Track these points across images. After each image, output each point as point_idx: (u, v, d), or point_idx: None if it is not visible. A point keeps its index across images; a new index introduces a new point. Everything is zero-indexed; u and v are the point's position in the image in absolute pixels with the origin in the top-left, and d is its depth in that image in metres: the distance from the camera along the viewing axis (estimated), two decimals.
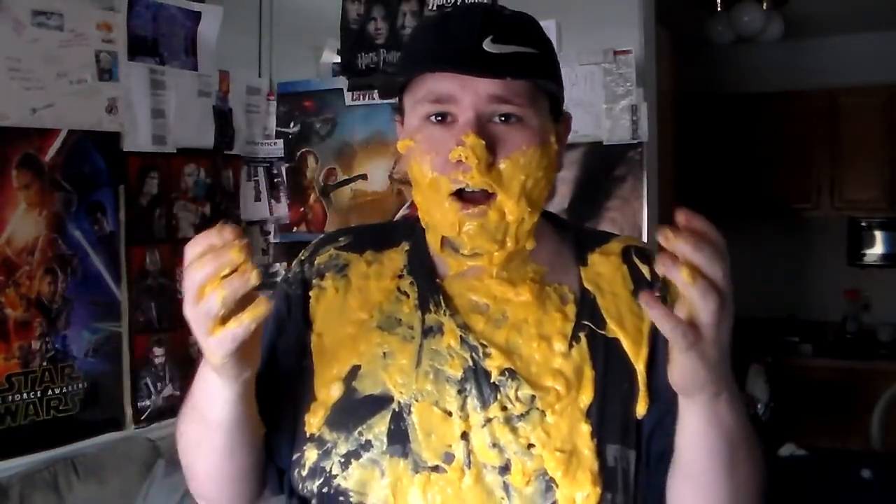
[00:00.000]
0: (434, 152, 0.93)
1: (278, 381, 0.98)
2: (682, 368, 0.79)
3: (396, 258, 1.04)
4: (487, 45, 0.91)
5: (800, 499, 2.28)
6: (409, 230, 1.07)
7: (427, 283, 1.01)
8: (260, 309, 0.78)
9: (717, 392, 0.82)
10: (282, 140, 2.98)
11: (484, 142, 0.91)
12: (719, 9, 4.18)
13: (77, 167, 2.29)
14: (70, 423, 2.26)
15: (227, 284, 0.77)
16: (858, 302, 4.93)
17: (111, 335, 2.38)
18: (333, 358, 0.98)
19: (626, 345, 0.96)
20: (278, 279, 1.14)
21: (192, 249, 0.79)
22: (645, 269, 1.01)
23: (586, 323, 0.97)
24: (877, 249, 4.91)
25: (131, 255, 2.44)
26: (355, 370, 0.97)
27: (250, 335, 0.80)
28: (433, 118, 0.94)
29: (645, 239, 2.51)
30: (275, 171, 2.98)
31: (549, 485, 0.90)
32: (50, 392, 2.22)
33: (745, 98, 4.89)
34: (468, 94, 0.92)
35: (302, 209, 2.97)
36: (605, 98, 2.50)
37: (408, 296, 1.00)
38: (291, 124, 2.97)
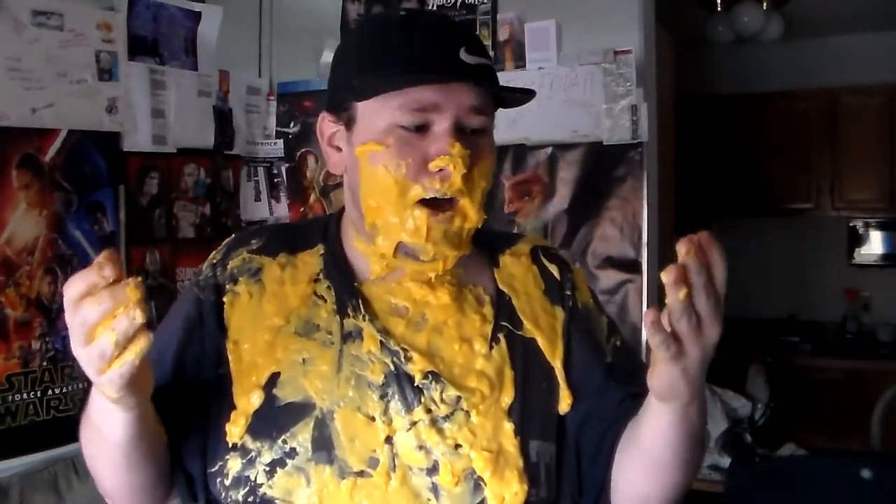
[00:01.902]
0: (410, 158, 0.93)
1: (186, 389, 0.97)
2: (662, 377, 0.81)
3: (311, 261, 1.03)
4: (464, 56, 0.92)
5: (800, 499, 2.27)
6: (323, 231, 1.06)
7: (344, 286, 1.00)
8: (140, 344, 0.76)
9: (691, 401, 0.84)
10: (282, 140, 2.98)
11: (469, 151, 0.92)
12: (719, 9, 4.18)
13: (77, 167, 2.29)
14: (70, 423, 2.22)
15: (117, 325, 0.75)
16: (858, 302, 4.92)
17: None
18: (251, 365, 0.97)
19: (542, 344, 1.00)
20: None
21: (74, 288, 0.76)
22: (553, 269, 1.06)
23: (504, 324, 1.00)
24: (877, 250, 4.91)
25: (131, 255, 2.44)
26: (275, 377, 0.96)
27: (138, 367, 0.78)
28: (410, 126, 0.93)
29: (645, 238, 2.51)
30: (275, 171, 2.98)
31: (478, 484, 0.92)
32: (50, 392, 2.22)
33: (745, 98, 4.88)
34: (451, 104, 0.92)
35: (302, 209, 2.97)
36: (605, 98, 2.49)
37: (325, 300, 0.99)
38: (291, 124, 2.97)
